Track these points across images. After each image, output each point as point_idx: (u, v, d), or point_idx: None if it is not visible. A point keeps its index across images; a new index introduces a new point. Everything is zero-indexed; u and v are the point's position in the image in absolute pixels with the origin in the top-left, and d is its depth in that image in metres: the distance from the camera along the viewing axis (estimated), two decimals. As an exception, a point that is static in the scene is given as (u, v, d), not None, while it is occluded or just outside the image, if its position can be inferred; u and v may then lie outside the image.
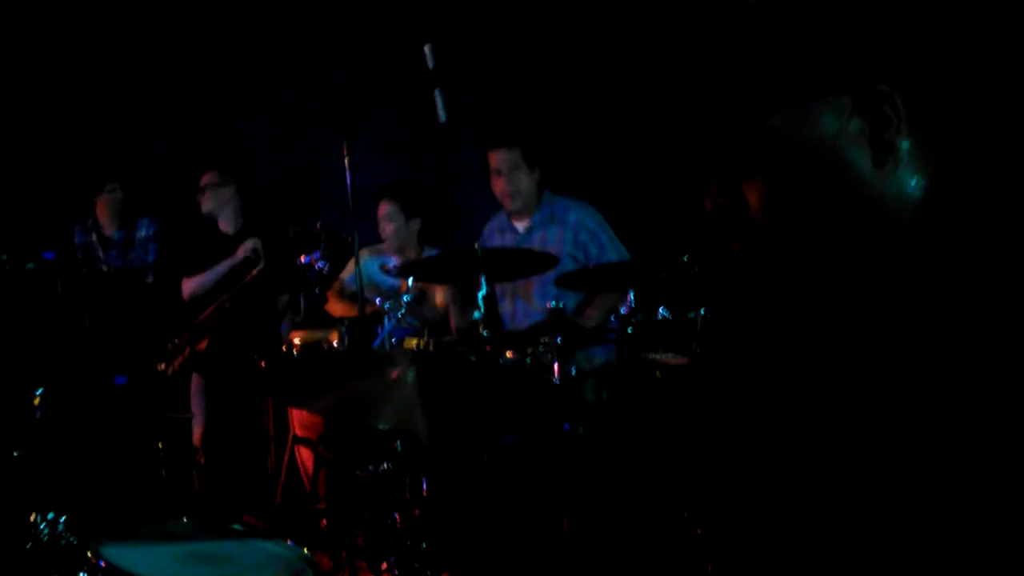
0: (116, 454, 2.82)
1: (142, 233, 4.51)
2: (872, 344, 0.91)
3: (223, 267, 4.08)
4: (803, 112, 0.89)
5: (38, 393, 1.98)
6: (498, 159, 3.74)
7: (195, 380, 4.08)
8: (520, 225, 3.84)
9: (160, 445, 2.47)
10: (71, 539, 1.04)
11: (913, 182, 0.90)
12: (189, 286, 4.17)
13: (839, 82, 0.88)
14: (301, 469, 3.77)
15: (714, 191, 0.99)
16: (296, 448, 3.77)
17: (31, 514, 1.03)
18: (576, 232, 3.72)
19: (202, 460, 3.72)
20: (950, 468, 0.84)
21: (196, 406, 4.00)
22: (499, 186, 3.77)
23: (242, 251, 4.05)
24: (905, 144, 0.89)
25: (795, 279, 1.00)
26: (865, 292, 0.94)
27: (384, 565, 2.62)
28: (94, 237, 4.47)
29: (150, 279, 4.45)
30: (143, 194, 4.57)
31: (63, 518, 1.02)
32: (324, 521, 3.27)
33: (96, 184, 4.43)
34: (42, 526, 1.04)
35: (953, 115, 0.90)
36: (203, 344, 3.69)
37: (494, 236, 3.92)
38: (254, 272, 3.67)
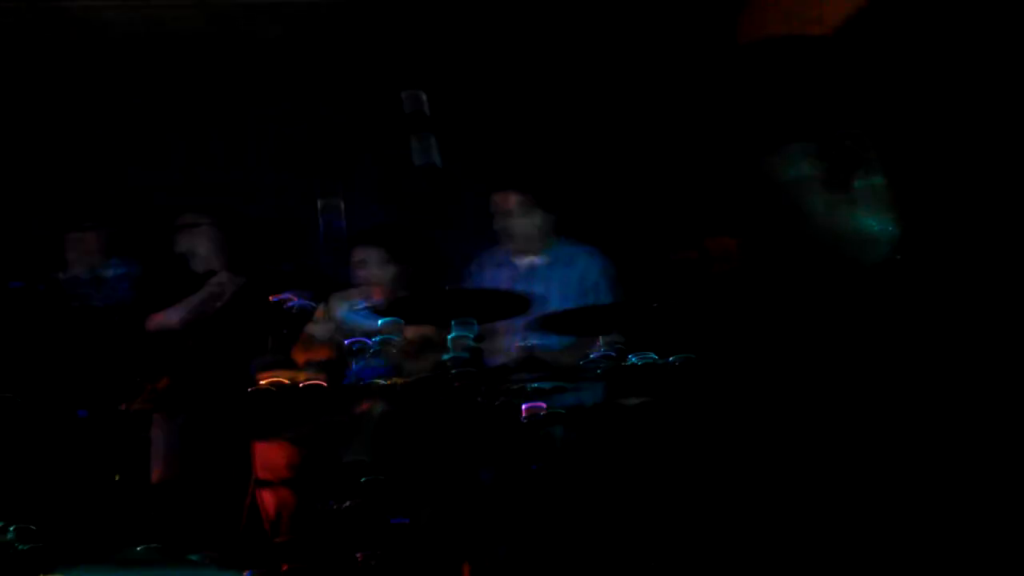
0: (72, 482, 2.75)
1: (110, 272, 4.47)
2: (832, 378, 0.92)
3: (191, 301, 4.05)
4: (772, 159, 0.91)
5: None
6: (498, 201, 3.76)
7: (156, 419, 4.00)
8: (521, 263, 3.83)
9: (116, 477, 2.41)
10: (21, 548, 1.00)
11: (872, 222, 0.92)
12: (154, 321, 4.13)
13: (800, 129, 0.90)
14: (262, 512, 3.68)
15: (683, 247, 1.00)
16: (258, 492, 3.69)
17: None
18: (581, 279, 3.71)
19: (160, 499, 3.62)
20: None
21: (156, 444, 3.91)
22: (502, 227, 3.78)
23: (208, 288, 4.02)
24: (860, 185, 0.90)
25: (765, 314, 1.01)
26: (824, 325, 0.95)
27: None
28: (62, 275, 4.42)
29: (117, 318, 4.38)
30: (117, 234, 4.53)
31: (12, 527, 0.98)
32: (285, 566, 3.19)
33: (68, 223, 4.40)
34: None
35: (915, 162, 0.92)
36: (165, 382, 3.63)
37: (488, 269, 3.90)
38: (219, 306, 3.63)
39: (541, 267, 3.79)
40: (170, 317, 4.09)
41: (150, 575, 1.62)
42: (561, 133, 4.28)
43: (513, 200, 3.74)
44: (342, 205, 3.20)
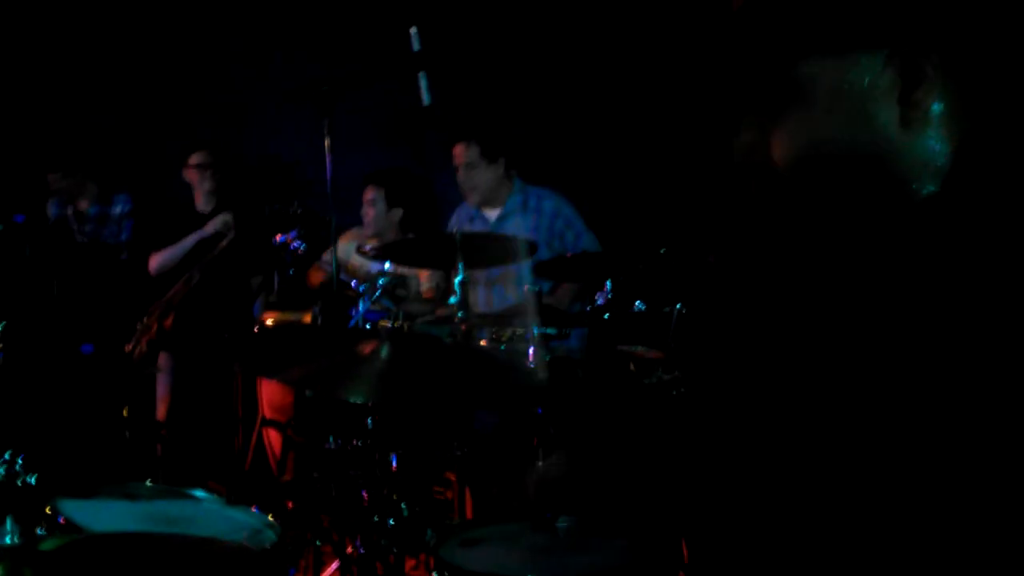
0: (79, 416, 2.77)
1: (117, 209, 4.46)
2: (877, 327, 0.89)
3: (191, 240, 4.06)
4: (836, 60, 0.88)
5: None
6: (457, 153, 3.78)
7: (162, 358, 4.03)
8: (491, 214, 3.85)
9: (124, 412, 2.43)
10: (28, 479, 1.01)
11: (939, 148, 0.88)
12: (156, 260, 4.14)
13: (875, 35, 0.87)
14: (268, 451, 3.72)
15: (743, 131, 0.98)
16: (264, 431, 3.73)
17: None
18: (552, 220, 3.75)
19: (166, 436, 3.66)
20: (963, 465, 0.81)
21: (162, 384, 3.94)
22: (460, 181, 3.81)
23: (211, 226, 4.02)
24: (936, 108, 0.87)
25: (798, 245, 0.98)
26: (873, 268, 0.92)
27: (349, 548, 2.59)
28: (70, 211, 4.42)
29: (123, 256, 4.39)
30: (121, 171, 4.52)
31: (20, 457, 0.98)
32: (290, 503, 3.23)
33: (74, 162, 4.38)
34: (-2, 465, 1.01)
35: (990, 85, 0.89)
36: (170, 321, 3.64)
37: (463, 224, 3.92)
38: (223, 244, 3.62)
39: (511, 215, 3.80)
40: (173, 255, 4.11)
41: (156, 508, 1.63)
42: (527, 84, 4.22)
43: (466, 152, 3.74)
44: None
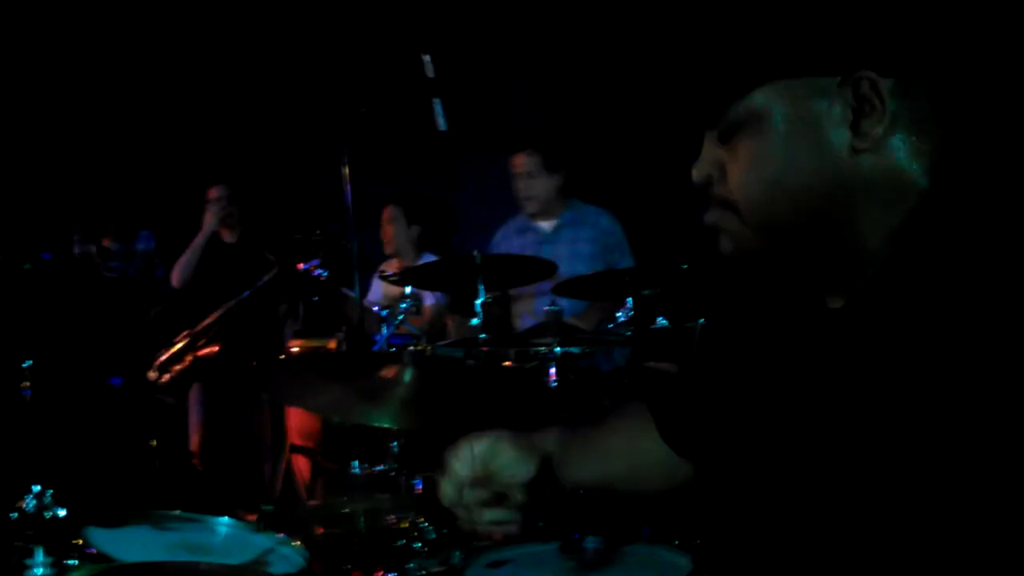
0: (108, 447, 2.80)
1: (140, 246, 4.53)
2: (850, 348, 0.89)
3: (199, 241, 4.14)
4: (788, 88, 0.89)
5: (26, 365, 1.97)
6: (517, 163, 3.78)
7: (194, 388, 4.07)
8: (546, 225, 3.86)
9: (153, 443, 2.46)
10: (57, 512, 1.03)
11: (912, 169, 0.88)
12: (176, 272, 4.21)
13: (825, 62, 0.88)
14: (298, 478, 3.74)
15: (700, 159, 0.98)
16: (293, 457, 3.76)
17: (18, 486, 1.02)
18: (607, 236, 3.78)
19: (199, 466, 3.69)
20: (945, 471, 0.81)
21: (194, 414, 3.98)
22: (519, 190, 3.82)
23: (211, 221, 4.10)
24: (893, 133, 0.87)
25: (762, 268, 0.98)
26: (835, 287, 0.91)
27: (380, 572, 2.59)
28: (94, 248, 4.49)
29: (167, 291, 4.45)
30: (143, 205, 4.59)
31: (50, 491, 1.00)
32: (320, 528, 3.24)
33: (98, 196, 4.46)
34: (28, 498, 1.03)
35: (961, 103, 0.89)
36: (205, 351, 3.66)
37: (511, 238, 3.92)
38: (267, 278, 3.65)
39: (564, 228, 3.81)
40: (188, 261, 4.17)
41: (184, 537, 1.65)
42: (574, 96, 4.24)
43: (527, 161, 3.75)
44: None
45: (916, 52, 0.89)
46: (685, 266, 3.15)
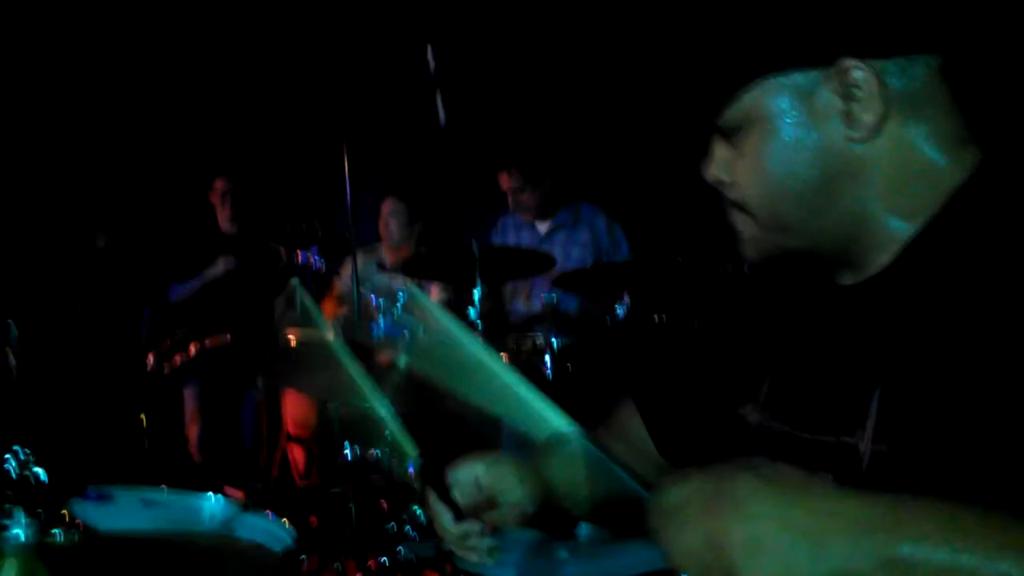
0: (98, 423, 2.80)
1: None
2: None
3: (197, 282, 4.11)
4: (779, 84, 0.87)
5: (10, 323, 1.96)
6: (502, 181, 3.83)
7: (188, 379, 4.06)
8: (541, 227, 3.87)
9: (143, 417, 2.46)
10: (38, 473, 1.03)
11: (929, 156, 0.86)
12: (175, 292, 4.19)
13: (807, 55, 0.86)
14: (293, 468, 3.74)
15: (710, 157, 0.97)
16: (289, 447, 3.75)
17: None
18: (602, 236, 3.80)
19: (196, 457, 3.69)
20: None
21: (190, 401, 3.97)
22: (509, 204, 3.86)
23: (218, 268, 4.08)
24: (875, 117, 0.84)
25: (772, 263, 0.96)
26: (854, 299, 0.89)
27: (371, 561, 2.59)
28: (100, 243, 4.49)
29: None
30: (143, 198, 4.58)
31: (29, 451, 1.00)
32: (313, 519, 3.25)
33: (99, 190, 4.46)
34: (9, 459, 1.03)
35: (956, 81, 0.87)
36: (216, 340, 3.61)
37: (508, 231, 3.93)
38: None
39: (558, 231, 3.83)
40: (187, 290, 4.16)
41: (172, 513, 1.65)
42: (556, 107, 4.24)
43: (510, 179, 3.78)
44: None
45: (893, 28, 0.86)
46: (680, 259, 3.15)
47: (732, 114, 0.92)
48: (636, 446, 1.27)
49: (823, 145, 0.88)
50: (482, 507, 1.18)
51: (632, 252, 3.79)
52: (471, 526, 1.18)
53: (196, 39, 4.67)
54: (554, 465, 1.22)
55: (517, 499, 1.19)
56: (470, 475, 1.19)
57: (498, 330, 3.20)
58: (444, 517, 1.19)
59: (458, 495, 1.19)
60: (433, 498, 1.21)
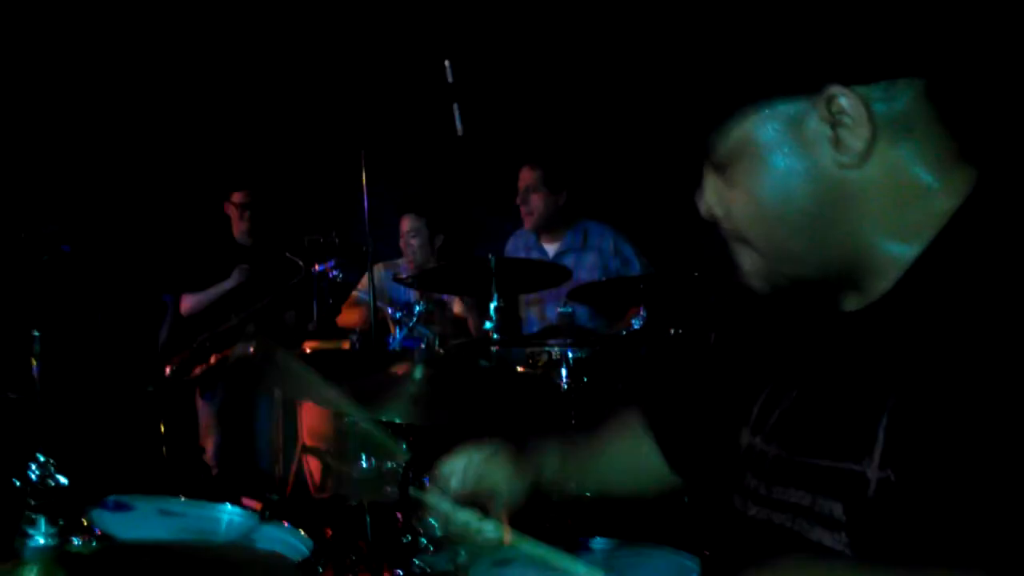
0: (117, 432, 2.82)
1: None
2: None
3: (214, 292, 4.13)
4: (767, 114, 0.87)
5: (36, 335, 1.99)
6: (523, 176, 3.80)
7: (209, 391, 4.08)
8: (550, 248, 3.86)
9: (161, 426, 2.47)
10: (60, 480, 1.04)
11: (923, 180, 0.85)
12: (187, 303, 4.22)
13: (791, 84, 0.86)
14: (308, 479, 3.74)
15: (703, 188, 0.97)
16: (304, 458, 3.76)
17: (23, 456, 1.03)
18: (610, 259, 3.77)
19: (213, 470, 3.70)
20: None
21: (204, 412, 3.99)
22: (520, 203, 3.84)
23: (233, 280, 4.10)
24: (864, 143, 0.84)
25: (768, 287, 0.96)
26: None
27: (387, 573, 2.59)
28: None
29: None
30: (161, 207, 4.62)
31: (50, 460, 1.02)
32: (328, 530, 3.24)
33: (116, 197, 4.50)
34: (32, 466, 1.04)
35: (944, 102, 0.86)
36: (240, 351, 3.64)
37: (519, 252, 3.93)
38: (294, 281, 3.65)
39: (566, 255, 3.81)
40: (201, 301, 4.18)
41: (189, 522, 1.66)
42: (582, 111, 4.25)
43: (528, 175, 3.76)
44: None
45: (876, 53, 0.86)
46: (696, 273, 3.14)
47: (721, 147, 0.92)
48: (632, 453, 1.29)
49: (814, 172, 0.88)
50: (475, 496, 1.20)
51: (649, 265, 3.77)
52: (471, 513, 1.20)
53: (216, 52, 4.72)
54: (548, 457, 1.25)
55: (509, 490, 1.21)
56: (462, 464, 1.22)
57: (514, 342, 3.20)
58: (443, 505, 1.21)
59: (452, 483, 1.21)
60: (430, 488, 1.22)
